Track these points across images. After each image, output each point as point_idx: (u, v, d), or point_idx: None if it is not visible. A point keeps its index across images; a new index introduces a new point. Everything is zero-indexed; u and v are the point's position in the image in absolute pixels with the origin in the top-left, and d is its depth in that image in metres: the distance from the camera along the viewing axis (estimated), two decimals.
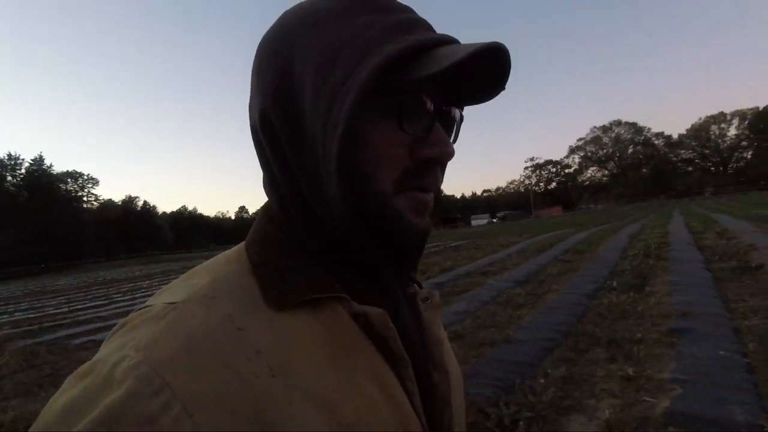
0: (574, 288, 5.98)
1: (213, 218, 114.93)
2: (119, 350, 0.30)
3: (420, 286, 0.48)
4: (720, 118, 78.91)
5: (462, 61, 0.32)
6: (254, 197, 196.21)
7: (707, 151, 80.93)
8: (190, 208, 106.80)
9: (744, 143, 76.40)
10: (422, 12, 0.40)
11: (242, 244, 0.41)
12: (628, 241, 10.74)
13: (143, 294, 11.73)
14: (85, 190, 71.81)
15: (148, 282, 16.05)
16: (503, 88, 0.40)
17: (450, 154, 0.38)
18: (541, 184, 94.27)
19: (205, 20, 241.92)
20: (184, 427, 0.27)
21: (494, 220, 67.61)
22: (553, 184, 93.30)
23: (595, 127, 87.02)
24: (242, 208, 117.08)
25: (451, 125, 0.41)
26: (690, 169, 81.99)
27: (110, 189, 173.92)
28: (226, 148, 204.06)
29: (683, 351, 3.30)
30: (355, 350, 0.36)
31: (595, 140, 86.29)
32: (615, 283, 5.83)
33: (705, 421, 2.25)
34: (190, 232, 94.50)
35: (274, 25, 0.39)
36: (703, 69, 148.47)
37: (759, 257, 6.81)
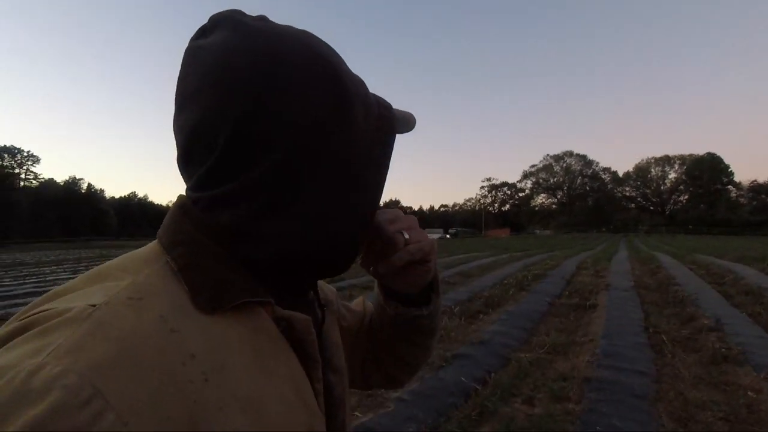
0: None
1: (164, 207, 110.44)
2: (33, 356, 0.27)
3: (317, 294, 0.51)
4: (662, 161, 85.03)
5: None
6: None
7: (648, 191, 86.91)
8: (140, 194, 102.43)
9: (681, 187, 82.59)
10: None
11: (156, 244, 0.40)
12: (521, 268, 11.48)
13: (34, 281, 11.26)
14: (24, 167, 67.67)
15: (53, 268, 15.36)
16: None
17: None
18: (496, 204, 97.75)
19: None
20: None
21: (447, 236, 69.20)
22: (507, 206, 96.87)
23: (548, 155, 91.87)
24: None
25: None
26: (632, 206, 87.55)
27: (54, 169, 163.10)
28: None
29: (438, 375, 3.72)
30: (277, 354, 0.38)
31: (547, 168, 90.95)
32: (457, 309, 6.33)
33: None
34: (138, 220, 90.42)
35: (300, 42, 0.39)
36: (654, 111, 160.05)
37: (602, 297, 7.57)
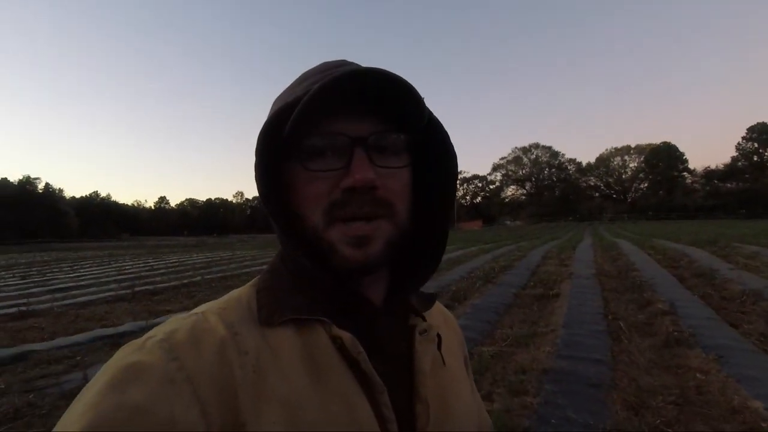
0: None
1: (129, 207, 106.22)
2: (153, 334, 0.41)
3: (424, 319, 0.51)
4: (623, 151, 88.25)
5: (314, 97, 0.40)
6: (175, 189, 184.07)
7: (611, 180, 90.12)
8: (103, 194, 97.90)
9: (641, 175, 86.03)
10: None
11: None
12: (489, 260, 11.64)
13: None
14: None
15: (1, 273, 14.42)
16: (410, 112, 0.44)
17: (360, 181, 0.42)
18: (468, 197, 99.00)
19: None
20: (187, 389, 0.37)
21: None
22: (479, 199, 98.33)
23: (516, 147, 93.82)
24: (162, 199, 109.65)
25: (389, 149, 0.45)
26: (596, 194, 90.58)
27: (5, 168, 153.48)
28: (151, 134, 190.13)
29: None
30: (328, 368, 0.42)
31: (516, 160, 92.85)
32: None
33: None
34: (101, 221, 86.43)
35: None
36: (614, 102, 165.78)
37: (565, 286, 7.74)
